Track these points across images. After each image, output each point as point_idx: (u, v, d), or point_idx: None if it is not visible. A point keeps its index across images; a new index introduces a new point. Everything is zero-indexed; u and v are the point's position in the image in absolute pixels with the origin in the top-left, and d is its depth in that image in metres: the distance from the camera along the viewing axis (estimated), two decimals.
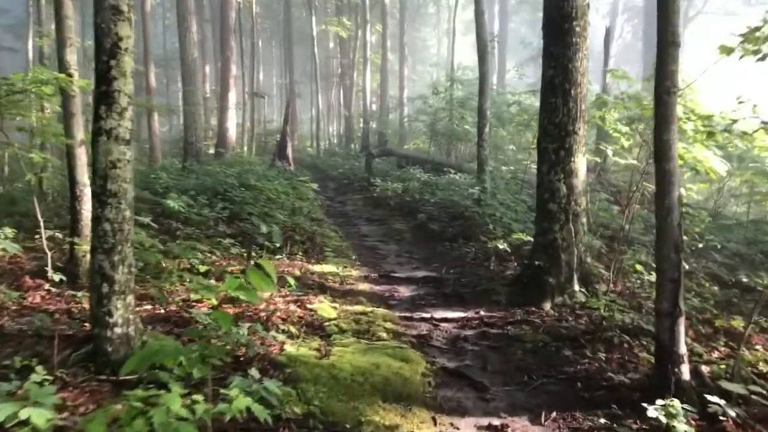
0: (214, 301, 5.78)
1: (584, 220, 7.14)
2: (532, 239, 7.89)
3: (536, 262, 6.89)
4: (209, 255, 7.54)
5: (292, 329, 5.36)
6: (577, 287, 6.76)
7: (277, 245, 8.46)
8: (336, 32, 31.74)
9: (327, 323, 5.72)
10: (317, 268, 7.93)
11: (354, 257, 9.04)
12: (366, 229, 11.61)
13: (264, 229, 7.92)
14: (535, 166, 16.29)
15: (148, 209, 9.52)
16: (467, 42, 49.53)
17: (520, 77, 24.73)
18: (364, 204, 14.64)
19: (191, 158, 19.53)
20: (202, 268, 6.86)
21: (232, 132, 22.34)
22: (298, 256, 8.45)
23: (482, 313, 6.55)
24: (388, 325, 5.90)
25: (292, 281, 6.53)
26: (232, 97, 22.34)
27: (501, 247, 7.82)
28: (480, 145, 12.29)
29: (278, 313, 5.76)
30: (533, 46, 35.25)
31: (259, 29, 43.73)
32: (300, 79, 43.43)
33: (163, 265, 6.58)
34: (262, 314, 5.61)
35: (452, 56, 25.40)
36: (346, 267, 8.27)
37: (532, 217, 10.10)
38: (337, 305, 6.39)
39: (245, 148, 24.59)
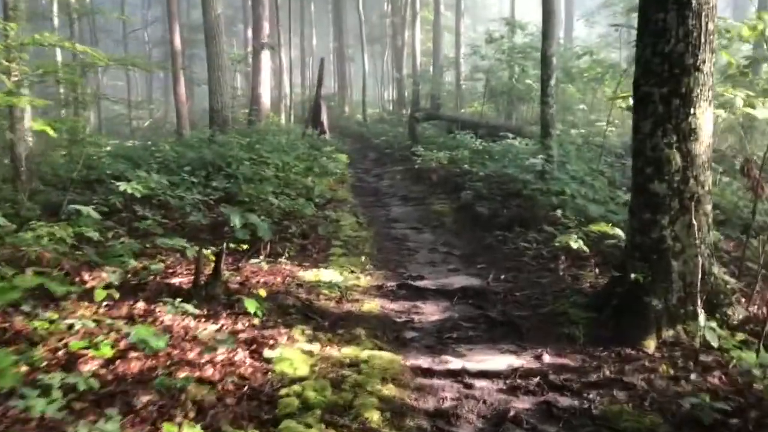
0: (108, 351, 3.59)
1: (709, 207, 4.56)
2: (620, 233, 5.35)
3: (632, 275, 4.39)
4: (151, 259, 5.38)
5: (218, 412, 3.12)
6: (700, 314, 4.20)
7: (265, 239, 6.25)
8: None
9: (285, 390, 3.45)
10: (311, 274, 5.65)
11: (371, 255, 6.71)
12: (398, 212, 9.24)
13: (237, 221, 5.69)
14: (612, 131, 13.36)
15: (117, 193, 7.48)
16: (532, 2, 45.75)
17: (591, 25, 21.47)
18: (403, 177, 12.24)
19: (216, 127, 17.61)
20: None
21: (265, 98, 20.15)
22: (287, 255, 6.17)
23: (546, 359, 4.13)
24: (389, 391, 3.57)
25: (253, 306, 4.32)
26: (265, 59, 20.14)
27: (574, 245, 5.32)
28: (544, 102, 9.63)
29: (208, 371, 3.53)
30: None
31: None
32: (354, 42, 40.85)
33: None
34: (170, 375, 3.38)
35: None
36: (354, 271, 5.96)
37: (615, 198, 7.50)
38: (317, 347, 4.11)
39: (282, 116, 22.50)
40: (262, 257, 5.83)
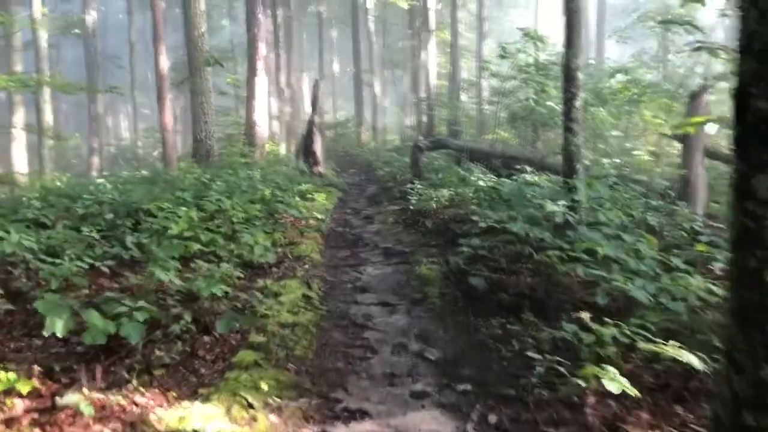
0: None
1: None
2: (694, 362, 3.02)
3: None
4: None
5: None
6: None
7: (133, 343, 4.06)
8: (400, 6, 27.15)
9: None
10: (175, 416, 3.41)
11: (302, 361, 4.44)
12: (372, 275, 6.96)
13: (57, 325, 3.53)
14: (647, 159, 10.90)
15: None
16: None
17: (625, 41, 19.08)
18: (395, 221, 9.97)
19: (201, 159, 15.64)
20: None
21: (262, 126, 18.08)
22: (157, 372, 3.93)
23: None
24: None
25: None
26: (261, 83, 18.13)
27: (612, 386, 3.03)
28: (568, 129, 7.36)
29: None
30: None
31: (324, 15, 39.94)
32: (373, 67, 39.04)
33: None
34: None
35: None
36: (254, 405, 3.69)
37: (669, 266, 5.16)
38: None
39: (283, 146, 20.52)
40: (99, 385, 3.59)
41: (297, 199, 9.48)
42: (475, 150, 12.87)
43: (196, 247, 6.32)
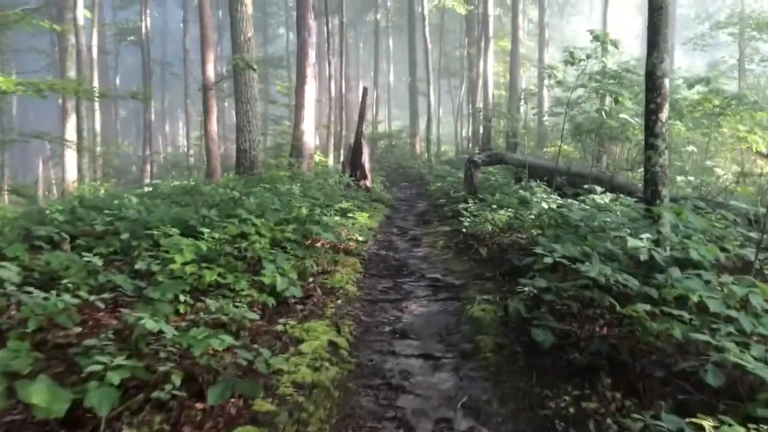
0: None
1: None
2: None
3: None
4: None
5: None
6: None
7: (100, 415, 3.20)
8: (459, 14, 26.11)
9: None
10: None
11: None
12: (415, 314, 5.93)
13: None
14: (722, 177, 9.64)
15: None
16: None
17: (702, 49, 17.51)
18: (445, 245, 8.93)
19: (245, 170, 14.97)
20: None
21: (309, 136, 17.36)
22: None
23: None
24: None
25: None
26: (310, 91, 17.41)
27: None
28: (651, 146, 6.21)
29: None
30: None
31: (381, 24, 39.34)
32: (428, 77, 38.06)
33: None
34: None
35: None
36: None
37: None
38: None
39: (331, 157, 19.73)
40: None
41: (336, 218, 8.56)
42: (536, 166, 11.70)
43: (211, 277, 5.46)
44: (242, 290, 5.41)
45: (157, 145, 52.09)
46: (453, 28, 40.24)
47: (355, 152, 13.78)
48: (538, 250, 5.66)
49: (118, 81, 41.52)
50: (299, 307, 5.53)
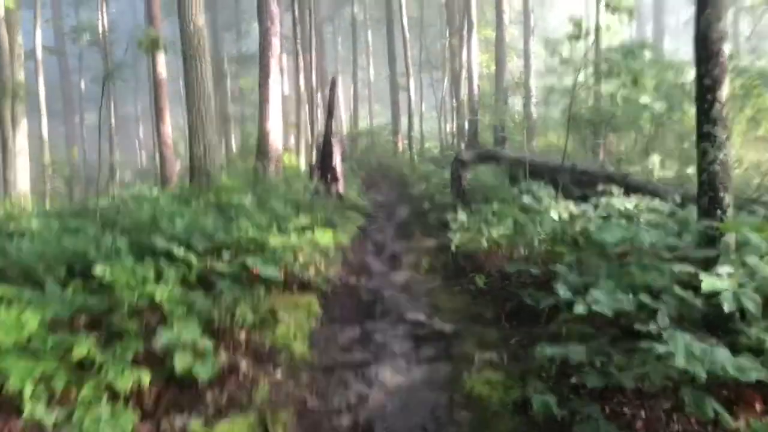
0: None
1: None
2: None
3: None
4: None
5: None
6: None
7: None
8: (440, 4, 24.31)
9: None
10: None
11: None
12: (389, 387, 4.09)
13: None
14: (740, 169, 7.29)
15: None
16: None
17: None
18: (431, 268, 7.11)
19: (199, 177, 13.02)
20: None
21: (276, 136, 15.38)
22: None
23: None
24: None
25: None
26: (275, 86, 15.46)
27: None
28: (706, 136, 4.46)
29: None
30: None
31: (364, 17, 37.53)
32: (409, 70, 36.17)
33: None
34: None
35: None
36: None
37: None
38: None
39: (302, 158, 17.83)
40: None
41: (293, 238, 6.71)
42: (535, 163, 9.90)
43: (84, 350, 3.62)
44: (122, 371, 3.55)
45: (133, 151, 49.65)
46: (434, 21, 38.50)
47: (325, 153, 11.94)
48: (561, 290, 3.88)
49: (83, 85, 39.28)
50: (211, 393, 3.68)
